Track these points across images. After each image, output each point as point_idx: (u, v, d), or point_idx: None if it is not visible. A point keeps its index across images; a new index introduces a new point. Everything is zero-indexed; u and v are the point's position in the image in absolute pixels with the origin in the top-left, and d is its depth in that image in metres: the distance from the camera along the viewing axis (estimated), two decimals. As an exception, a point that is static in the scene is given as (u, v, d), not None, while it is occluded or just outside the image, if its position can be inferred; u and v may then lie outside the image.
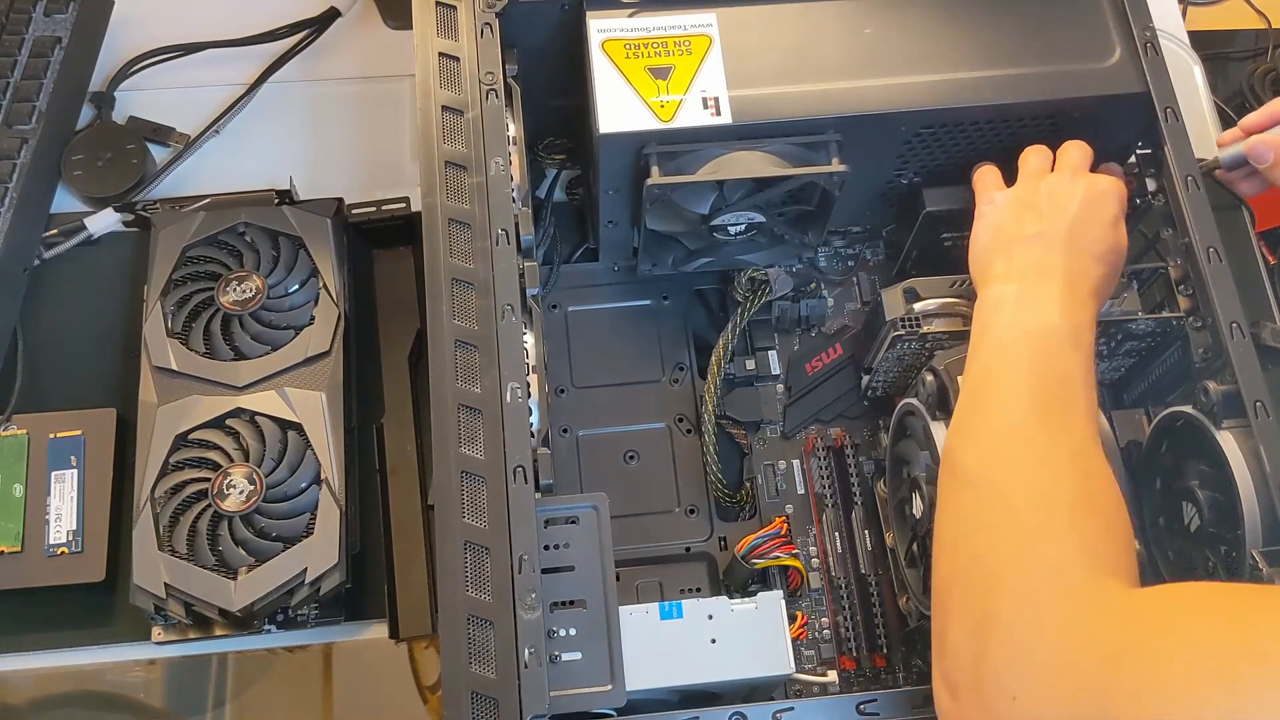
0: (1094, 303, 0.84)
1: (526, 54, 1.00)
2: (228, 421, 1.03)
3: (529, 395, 0.82)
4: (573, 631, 0.78)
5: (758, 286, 1.07)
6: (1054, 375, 0.78)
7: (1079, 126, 0.98)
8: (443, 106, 0.90)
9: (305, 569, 0.97)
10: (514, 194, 0.89)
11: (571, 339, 1.10)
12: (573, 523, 0.81)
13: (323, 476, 1.01)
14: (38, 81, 1.17)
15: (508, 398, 0.80)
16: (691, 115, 0.94)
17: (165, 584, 0.96)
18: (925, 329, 0.94)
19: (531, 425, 0.82)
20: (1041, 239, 0.86)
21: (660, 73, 0.95)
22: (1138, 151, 1.03)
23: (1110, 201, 0.89)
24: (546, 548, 0.79)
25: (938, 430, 0.87)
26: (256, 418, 1.03)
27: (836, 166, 0.95)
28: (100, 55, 1.26)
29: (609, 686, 0.76)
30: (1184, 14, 1.39)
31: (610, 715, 0.76)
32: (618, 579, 0.83)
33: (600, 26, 0.96)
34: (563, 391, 1.08)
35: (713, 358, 1.05)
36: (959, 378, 0.87)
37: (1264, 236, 1.13)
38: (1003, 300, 0.83)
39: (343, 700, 1.03)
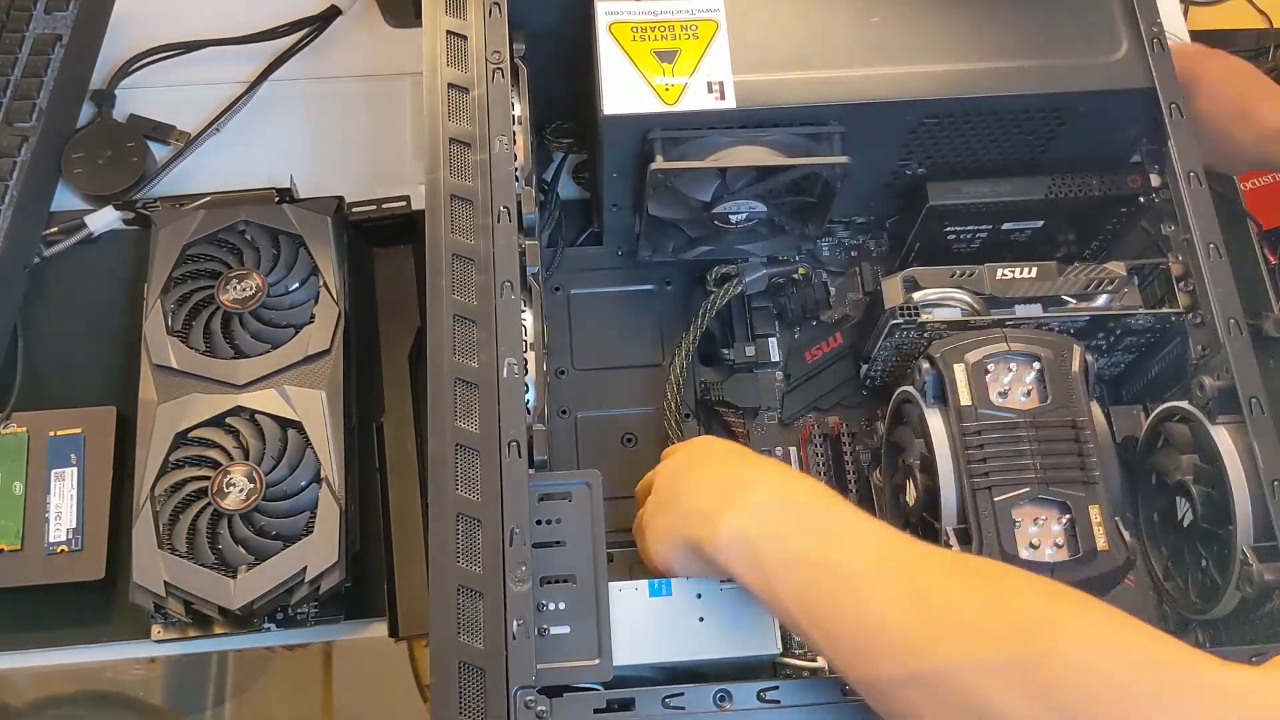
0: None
1: (535, 36, 1.04)
2: (228, 420, 1.07)
3: (526, 372, 0.86)
4: (562, 606, 0.81)
5: (726, 280, 1.12)
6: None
7: (1083, 120, 1.03)
8: (449, 84, 0.94)
9: (305, 567, 1.01)
10: (517, 172, 0.93)
11: (573, 321, 1.15)
12: (565, 499, 0.84)
13: (323, 475, 1.05)
14: (38, 79, 1.21)
15: (504, 373, 0.84)
16: (696, 99, 0.98)
17: (165, 582, 1.00)
18: (924, 318, 0.98)
19: (528, 401, 0.86)
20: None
21: (666, 56, 0.99)
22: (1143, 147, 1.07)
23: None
24: (539, 522, 0.83)
25: (933, 417, 0.92)
26: (256, 416, 1.07)
27: (839, 158, 0.99)
28: (101, 53, 1.31)
29: (596, 661, 0.80)
30: (1185, 13, 1.44)
31: (596, 689, 0.79)
32: (612, 560, 0.86)
33: (608, 9, 1.00)
34: (563, 373, 1.12)
35: (681, 350, 1.09)
36: (955, 365, 0.92)
37: (1264, 236, 1.17)
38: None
39: (343, 699, 1.07)
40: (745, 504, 0.80)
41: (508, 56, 0.97)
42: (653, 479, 0.92)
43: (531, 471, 0.84)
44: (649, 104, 0.98)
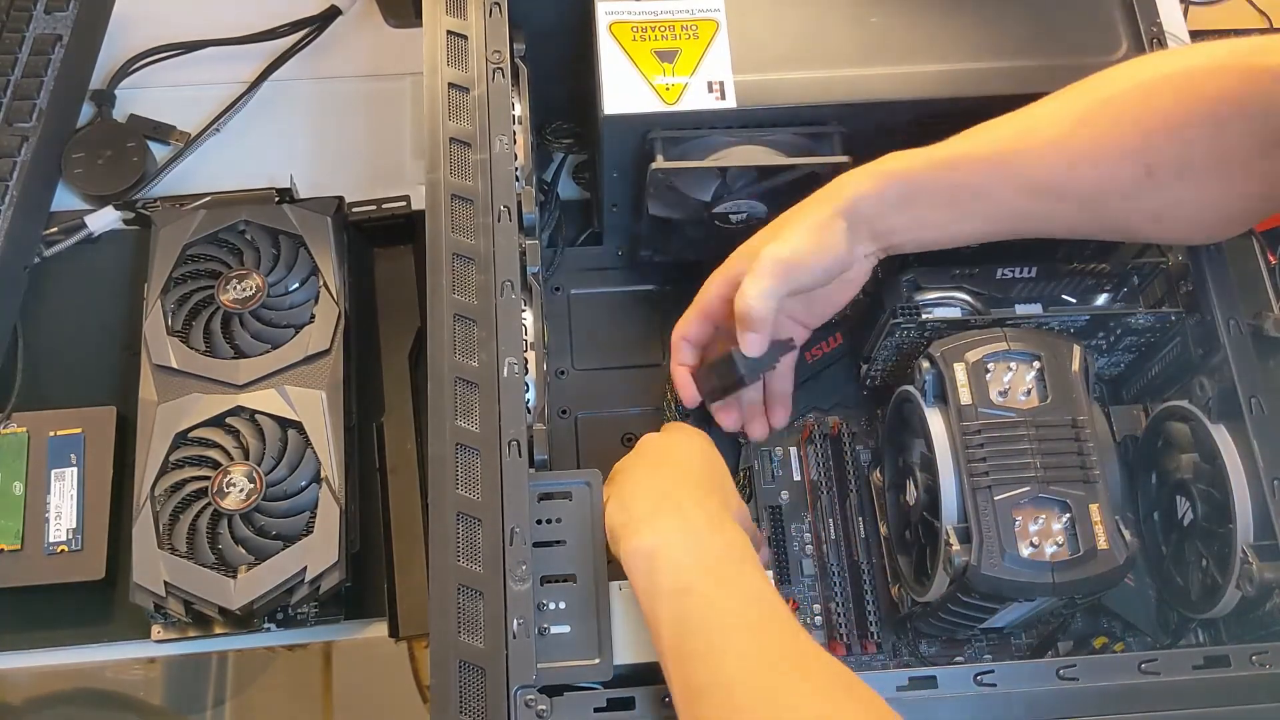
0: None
1: (535, 36, 1.05)
2: (228, 420, 1.08)
3: (526, 371, 0.86)
4: (562, 605, 0.82)
5: None
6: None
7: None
8: (449, 84, 0.95)
9: (305, 567, 1.01)
10: (517, 172, 0.94)
11: (574, 322, 1.16)
12: (566, 498, 0.85)
13: (322, 475, 1.05)
14: (38, 79, 1.21)
15: (505, 372, 0.85)
16: (696, 99, 0.99)
17: (165, 582, 1.00)
18: (924, 318, 0.99)
19: (528, 401, 0.87)
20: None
21: (666, 56, 1.00)
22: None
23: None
24: (539, 522, 0.83)
25: (933, 417, 0.92)
26: (256, 416, 1.08)
27: (839, 158, 1.00)
28: (101, 53, 1.31)
29: (596, 660, 0.80)
30: (1185, 13, 1.43)
31: (596, 688, 0.80)
32: (612, 560, 0.86)
33: (608, 9, 1.01)
34: (563, 374, 1.13)
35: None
36: (955, 365, 0.92)
37: (1264, 236, 1.18)
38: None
39: (342, 699, 1.07)
40: (665, 525, 0.82)
41: (508, 56, 0.97)
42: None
43: (532, 471, 0.84)
44: (649, 104, 0.99)
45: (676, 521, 0.82)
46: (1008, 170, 0.90)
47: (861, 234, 0.93)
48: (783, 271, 0.90)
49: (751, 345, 0.92)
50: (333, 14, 1.37)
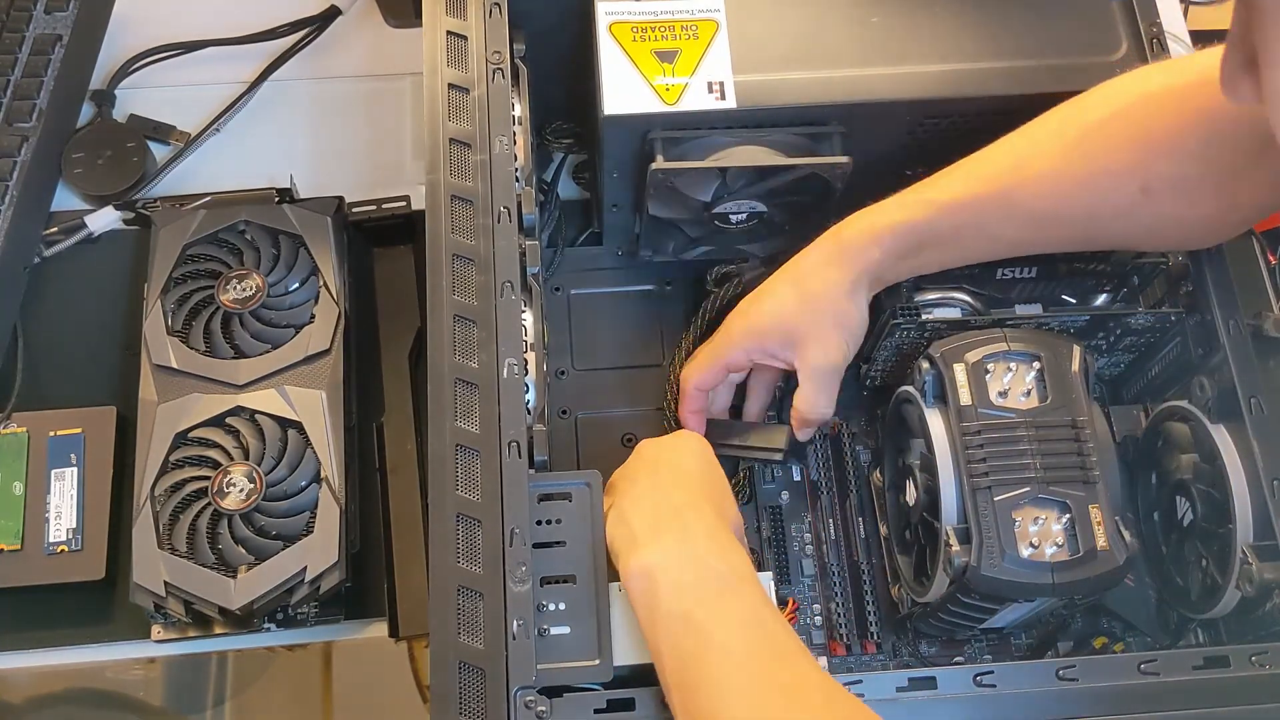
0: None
1: (535, 36, 1.04)
2: (228, 420, 1.07)
3: (526, 372, 0.86)
4: (562, 606, 0.82)
5: (725, 280, 1.13)
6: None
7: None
8: (449, 84, 0.95)
9: (305, 567, 1.01)
10: (517, 173, 0.94)
11: (574, 322, 1.16)
12: (566, 499, 0.85)
13: (322, 475, 1.05)
14: (38, 79, 1.21)
15: (504, 373, 0.85)
16: (696, 99, 0.99)
17: (165, 582, 1.00)
18: (924, 318, 0.99)
19: (528, 402, 0.87)
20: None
21: (666, 56, 1.00)
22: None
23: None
24: (539, 522, 0.83)
25: (933, 417, 0.93)
26: (256, 416, 1.07)
27: (839, 158, 1.00)
28: (101, 53, 1.31)
29: (596, 661, 0.80)
30: (1185, 13, 1.43)
31: (596, 689, 0.80)
32: None
33: (608, 9, 1.01)
34: (563, 374, 1.14)
35: (681, 350, 1.10)
36: (955, 365, 0.92)
37: (1264, 236, 1.18)
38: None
39: (342, 699, 1.07)
40: (667, 543, 0.82)
41: (508, 57, 0.97)
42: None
43: (531, 472, 0.84)
44: (649, 104, 0.99)
45: (677, 539, 0.83)
46: (1008, 205, 0.93)
47: (874, 288, 0.99)
48: (837, 379, 1.00)
49: (808, 435, 1.03)
50: (333, 14, 1.37)
